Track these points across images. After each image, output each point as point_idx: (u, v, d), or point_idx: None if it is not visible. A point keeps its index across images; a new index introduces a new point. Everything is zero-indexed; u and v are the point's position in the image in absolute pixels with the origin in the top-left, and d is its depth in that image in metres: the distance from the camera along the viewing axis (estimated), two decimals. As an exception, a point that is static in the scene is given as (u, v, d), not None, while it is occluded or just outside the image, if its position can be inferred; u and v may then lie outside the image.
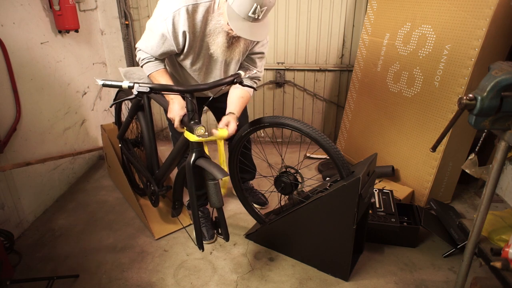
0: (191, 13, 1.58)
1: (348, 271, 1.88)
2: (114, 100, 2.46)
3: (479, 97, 1.17)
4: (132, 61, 3.37)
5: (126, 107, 2.57)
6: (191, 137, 1.60)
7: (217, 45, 1.64)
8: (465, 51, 2.12)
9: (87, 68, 3.00)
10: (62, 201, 2.63)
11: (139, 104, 2.10)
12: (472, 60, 2.09)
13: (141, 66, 1.78)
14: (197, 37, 1.67)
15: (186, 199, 2.04)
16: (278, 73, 3.32)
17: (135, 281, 1.90)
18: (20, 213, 2.25)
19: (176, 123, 1.69)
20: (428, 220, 2.13)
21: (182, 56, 1.76)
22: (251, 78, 1.93)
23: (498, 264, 1.40)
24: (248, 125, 1.96)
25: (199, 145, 1.63)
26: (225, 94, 1.95)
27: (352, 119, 3.09)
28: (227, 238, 1.77)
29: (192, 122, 1.59)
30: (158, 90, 1.45)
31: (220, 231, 1.78)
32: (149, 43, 1.69)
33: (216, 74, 1.88)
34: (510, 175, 1.34)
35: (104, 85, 1.36)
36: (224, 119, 1.76)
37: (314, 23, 3.15)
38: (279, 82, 3.36)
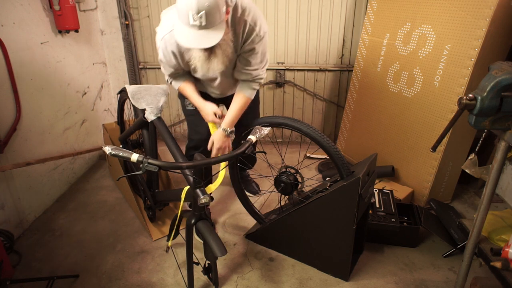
0: (174, 38, 1.64)
1: (348, 271, 1.88)
2: (118, 93, 2.45)
3: (479, 97, 1.17)
4: (132, 61, 3.37)
5: (128, 107, 2.56)
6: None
7: (195, 59, 1.65)
8: (465, 51, 2.12)
9: (87, 68, 3.00)
10: (62, 201, 2.63)
11: (144, 122, 2.06)
12: (472, 60, 2.09)
13: (171, 83, 1.98)
14: (184, 56, 1.77)
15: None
16: (278, 73, 3.32)
17: (135, 281, 1.90)
18: (20, 213, 2.25)
19: (211, 118, 1.88)
20: (428, 220, 2.13)
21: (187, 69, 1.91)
22: (251, 81, 1.88)
23: (498, 264, 1.40)
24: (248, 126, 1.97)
25: (201, 208, 1.60)
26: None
27: (352, 119, 3.09)
28: (216, 285, 1.76)
29: (197, 190, 1.52)
30: (166, 169, 1.38)
31: (210, 276, 1.79)
32: (163, 68, 1.92)
33: (218, 82, 1.96)
34: (510, 175, 1.34)
35: (112, 155, 1.28)
36: (212, 140, 1.91)
37: (314, 23, 3.15)
38: (279, 82, 3.36)
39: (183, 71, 1.92)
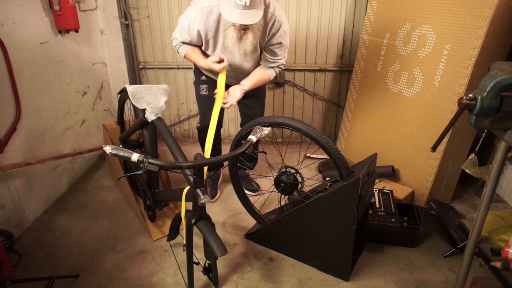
0: (206, 15, 1.93)
1: (348, 271, 1.88)
2: (118, 93, 2.44)
3: (479, 97, 1.17)
4: (132, 61, 3.38)
5: (128, 107, 2.56)
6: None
7: (228, 38, 1.92)
8: (465, 51, 2.12)
9: (87, 68, 3.00)
10: (62, 201, 2.63)
11: (144, 122, 2.06)
12: (472, 60, 2.09)
13: (177, 51, 2.18)
14: (212, 34, 2.01)
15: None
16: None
17: (135, 281, 1.90)
18: (20, 213, 2.25)
19: (216, 67, 2.02)
20: (428, 220, 2.13)
21: (203, 47, 2.12)
22: (275, 66, 2.17)
23: (498, 264, 1.40)
24: (248, 126, 1.97)
25: (202, 208, 1.60)
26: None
27: (352, 119, 3.09)
28: (216, 285, 1.77)
29: (197, 189, 1.51)
30: (167, 168, 1.36)
31: (210, 276, 1.79)
32: (178, 32, 2.10)
33: (235, 62, 2.13)
34: (510, 175, 1.34)
35: (113, 155, 1.27)
36: (229, 90, 2.08)
37: (314, 23, 3.15)
38: (279, 82, 3.36)
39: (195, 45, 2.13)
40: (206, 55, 2.16)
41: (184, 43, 2.13)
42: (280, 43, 2.06)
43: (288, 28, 2.07)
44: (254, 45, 1.96)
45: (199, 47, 2.15)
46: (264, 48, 2.11)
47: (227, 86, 2.14)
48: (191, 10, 1.97)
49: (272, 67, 2.17)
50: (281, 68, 2.21)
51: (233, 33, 1.89)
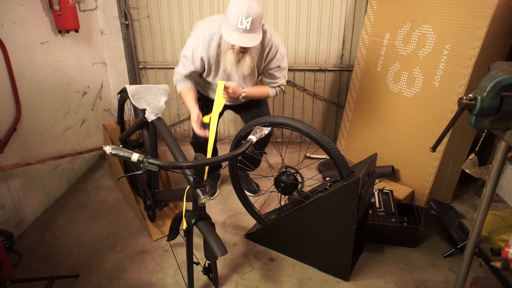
0: (207, 42, 2.00)
1: (348, 271, 1.88)
2: (118, 93, 2.44)
3: (479, 97, 1.17)
4: (132, 61, 3.38)
5: (128, 107, 2.56)
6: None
7: (226, 61, 1.97)
8: (465, 51, 2.12)
9: (87, 68, 3.00)
10: (62, 201, 2.63)
11: (144, 122, 2.06)
12: (472, 60, 2.09)
13: (175, 86, 2.22)
14: (214, 60, 2.07)
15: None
16: (278, 73, 3.33)
17: (135, 281, 1.90)
18: (20, 213, 2.25)
19: (197, 131, 2.06)
20: (428, 220, 2.13)
21: (205, 74, 2.18)
22: (275, 87, 2.25)
23: (498, 264, 1.40)
24: (248, 126, 1.97)
25: (202, 208, 1.60)
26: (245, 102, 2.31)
27: (352, 119, 3.09)
28: (216, 285, 1.77)
29: (197, 189, 1.51)
30: (167, 168, 1.37)
31: (210, 276, 1.79)
32: (181, 66, 2.14)
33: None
34: (510, 175, 1.34)
35: (113, 155, 1.27)
36: (230, 83, 2.08)
37: (314, 23, 3.15)
38: (279, 82, 3.36)
39: (196, 76, 2.19)
40: (205, 82, 2.24)
41: (187, 77, 2.16)
42: (279, 66, 2.15)
43: (285, 52, 2.14)
44: (251, 68, 2.01)
45: (200, 75, 2.21)
46: (263, 72, 2.19)
47: (224, 107, 2.12)
48: (193, 39, 2.03)
49: (273, 87, 2.25)
50: (281, 89, 2.28)
51: (231, 56, 1.94)
